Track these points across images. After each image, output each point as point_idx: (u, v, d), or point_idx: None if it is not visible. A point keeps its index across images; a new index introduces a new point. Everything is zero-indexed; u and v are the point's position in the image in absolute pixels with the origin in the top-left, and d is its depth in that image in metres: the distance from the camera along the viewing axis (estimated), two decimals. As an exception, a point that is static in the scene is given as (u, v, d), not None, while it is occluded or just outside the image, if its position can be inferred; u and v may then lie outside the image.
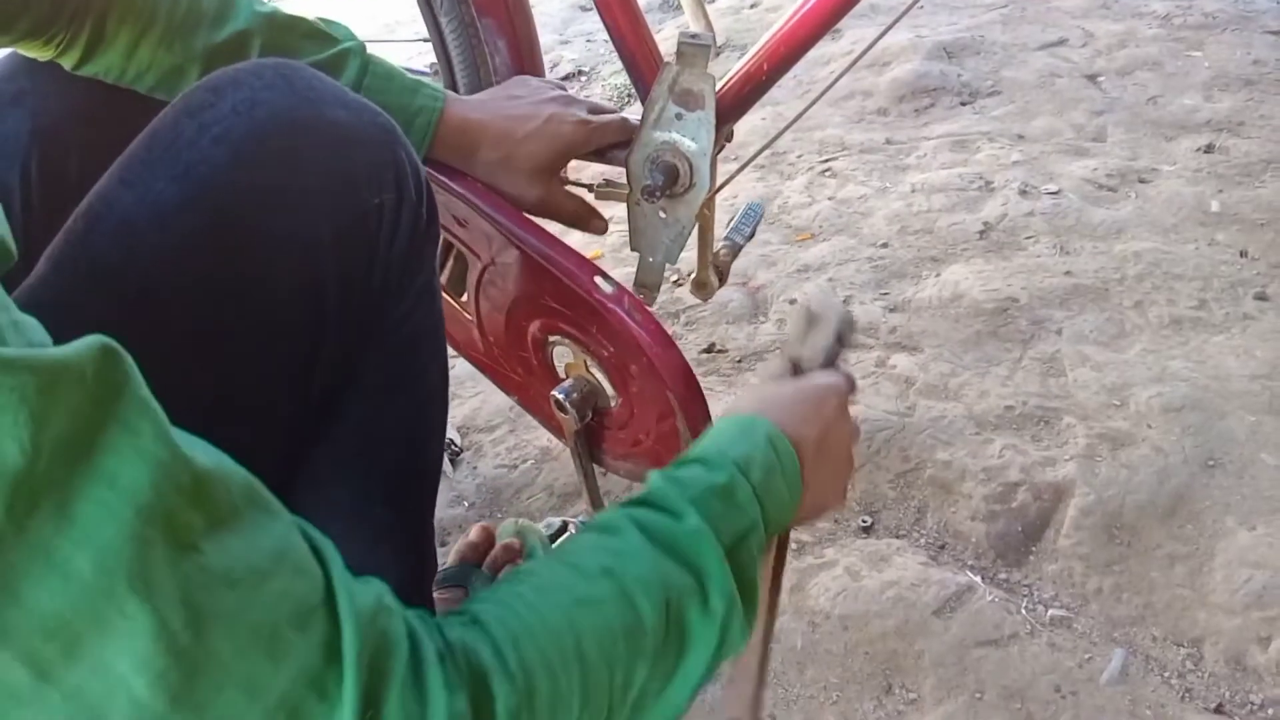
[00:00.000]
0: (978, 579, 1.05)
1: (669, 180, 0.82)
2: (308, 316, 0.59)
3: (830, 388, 0.63)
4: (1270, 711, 0.91)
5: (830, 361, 0.68)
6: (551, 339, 0.91)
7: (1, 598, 0.28)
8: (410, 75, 0.78)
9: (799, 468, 0.57)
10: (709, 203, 0.87)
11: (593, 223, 0.87)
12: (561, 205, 0.85)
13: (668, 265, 0.90)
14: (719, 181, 0.90)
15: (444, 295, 0.90)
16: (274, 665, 0.33)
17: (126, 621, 0.30)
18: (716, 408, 0.76)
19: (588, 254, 0.87)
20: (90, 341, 0.30)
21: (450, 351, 0.80)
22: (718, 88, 0.82)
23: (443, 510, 1.19)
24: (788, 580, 1.01)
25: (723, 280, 0.97)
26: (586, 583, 0.46)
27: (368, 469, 0.70)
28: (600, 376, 0.89)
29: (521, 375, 0.99)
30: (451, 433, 1.32)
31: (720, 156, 0.91)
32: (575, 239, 1.00)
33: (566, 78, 2.49)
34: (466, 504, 1.24)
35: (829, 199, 1.77)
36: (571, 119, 0.81)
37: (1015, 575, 1.07)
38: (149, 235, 0.53)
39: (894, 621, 1.00)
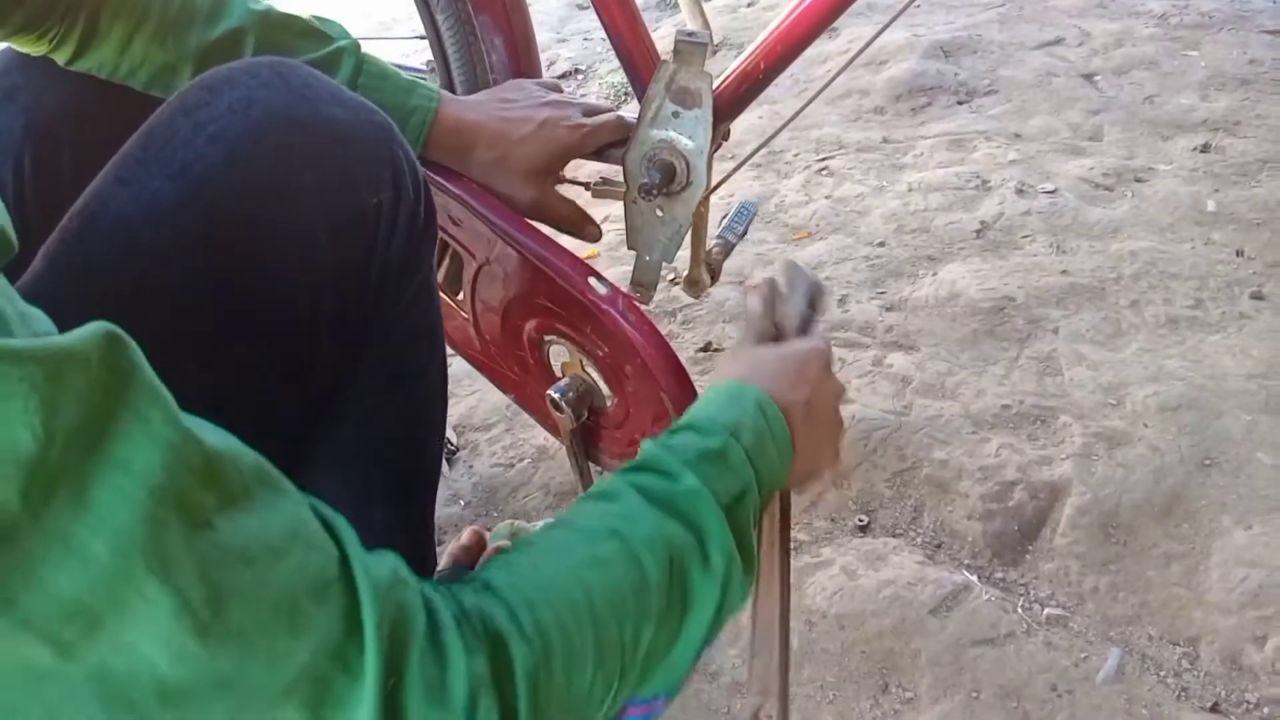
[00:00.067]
0: (974, 578, 1.05)
1: (666, 178, 0.82)
2: (305, 315, 0.59)
3: (812, 351, 0.64)
4: (1266, 710, 0.91)
5: (805, 327, 0.68)
6: (547, 338, 0.91)
7: (22, 582, 0.28)
8: (405, 74, 0.78)
9: (789, 432, 0.58)
10: (704, 201, 0.87)
11: (586, 229, 0.87)
12: (555, 208, 0.85)
13: (664, 263, 0.90)
14: (716, 180, 0.90)
15: (440, 294, 0.89)
16: (295, 638, 0.33)
17: (146, 602, 0.30)
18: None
19: (583, 252, 0.86)
20: (94, 328, 0.31)
21: (447, 350, 0.80)
22: (715, 86, 0.82)
23: (439, 509, 1.19)
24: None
25: (715, 278, 0.97)
26: (593, 544, 0.47)
27: (367, 468, 0.70)
28: (596, 376, 0.88)
29: (518, 374, 0.98)
30: (447, 431, 1.31)
31: (717, 155, 0.91)
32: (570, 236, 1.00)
33: (563, 76, 2.49)
34: (463, 503, 1.24)
35: (826, 198, 1.77)
36: (567, 123, 0.81)
37: (1011, 574, 1.07)
38: (145, 234, 0.53)
39: (890, 621, 1.00)
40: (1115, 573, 1.04)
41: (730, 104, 0.86)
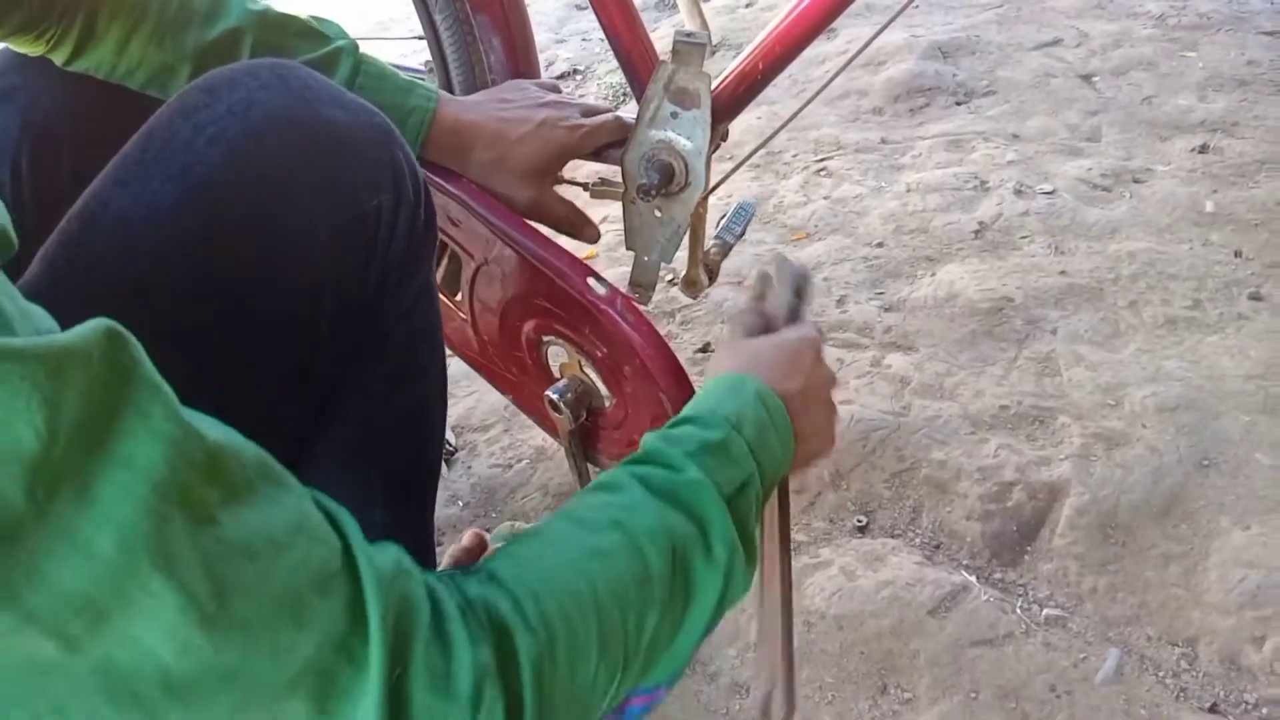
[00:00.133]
0: (973, 578, 1.05)
1: (664, 179, 0.82)
2: (305, 318, 0.59)
3: (804, 340, 0.65)
4: (1265, 711, 0.91)
5: (794, 315, 0.69)
6: (545, 339, 0.90)
7: (27, 578, 0.28)
8: (403, 75, 0.78)
9: (789, 421, 0.59)
10: (702, 201, 0.87)
11: (584, 230, 0.87)
12: (553, 209, 0.85)
13: (663, 264, 0.90)
14: (714, 180, 0.90)
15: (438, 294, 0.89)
16: (299, 631, 0.34)
17: (151, 596, 0.30)
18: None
19: (581, 252, 0.86)
20: (95, 325, 0.31)
21: (446, 351, 0.80)
22: (713, 86, 0.82)
23: (437, 510, 1.19)
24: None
25: (713, 279, 0.97)
26: (596, 535, 0.48)
27: (367, 470, 0.70)
28: (594, 377, 0.88)
29: (516, 375, 0.98)
30: (446, 432, 1.31)
31: (715, 155, 0.91)
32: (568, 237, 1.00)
33: (562, 76, 2.49)
34: (461, 503, 1.24)
35: (824, 198, 1.77)
36: (565, 123, 0.81)
37: (1010, 575, 1.07)
38: (145, 236, 0.53)
39: (889, 621, 1.00)
40: (1114, 573, 1.04)
41: (729, 105, 0.86)
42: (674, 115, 0.81)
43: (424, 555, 0.76)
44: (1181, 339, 1.34)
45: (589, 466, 0.97)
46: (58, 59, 0.71)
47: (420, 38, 1.06)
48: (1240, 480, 1.11)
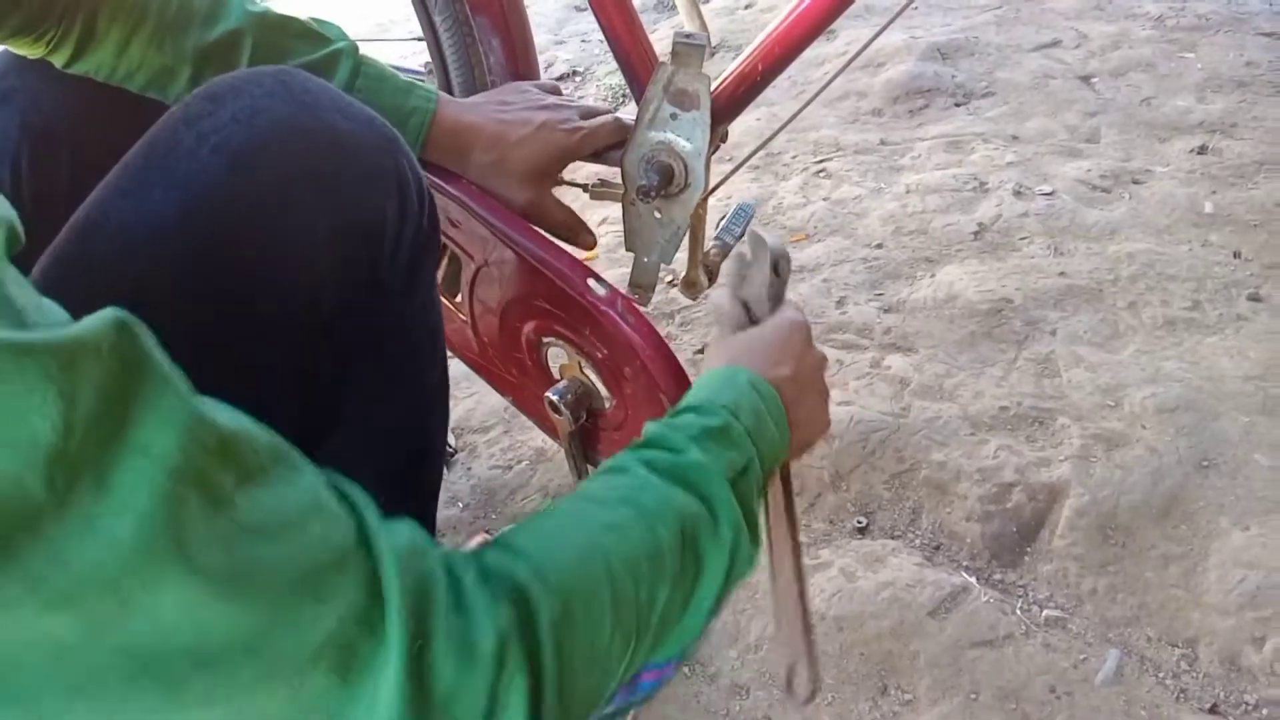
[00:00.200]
0: (973, 580, 1.05)
1: (664, 180, 0.82)
2: (308, 325, 0.59)
3: (792, 325, 0.65)
4: (1265, 711, 0.91)
5: (776, 296, 0.68)
6: (545, 340, 0.90)
7: (49, 564, 0.29)
8: (403, 76, 0.78)
9: (784, 409, 0.60)
10: (702, 203, 0.87)
11: (580, 236, 0.87)
12: (551, 213, 0.85)
13: (663, 265, 0.90)
14: (714, 182, 0.90)
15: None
16: (319, 606, 0.34)
17: (171, 577, 0.31)
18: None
19: (581, 254, 0.86)
20: (104, 315, 0.31)
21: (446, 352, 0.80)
22: (712, 88, 0.82)
23: (437, 510, 1.19)
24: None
25: (712, 280, 0.97)
26: (608, 511, 0.49)
27: (369, 473, 0.70)
28: (594, 378, 0.88)
29: (516, 376, 0.98)
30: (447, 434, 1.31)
31: (715, 157, 0.91)
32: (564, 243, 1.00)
33: (561, 78, 2.49)
34: (461, 505, 1.24)
35: (824, 200, 1.77)
36: (564, 125, 0.81)
37: (1010, 576, 1.07)
38: (147, 245, 0.53)
39: (889, 622, 1.00)
40: (1114, 574, 1.04)
41: (728, 106, 0.86)
42: (673, 117, 0.81)
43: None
44: (1181, 340, 1.34)
45: (589, 468, 0.97)
46: (57, 61, 0.71)
47: (420, 39, 1.06)
48: (1240, 481, 1.11)
